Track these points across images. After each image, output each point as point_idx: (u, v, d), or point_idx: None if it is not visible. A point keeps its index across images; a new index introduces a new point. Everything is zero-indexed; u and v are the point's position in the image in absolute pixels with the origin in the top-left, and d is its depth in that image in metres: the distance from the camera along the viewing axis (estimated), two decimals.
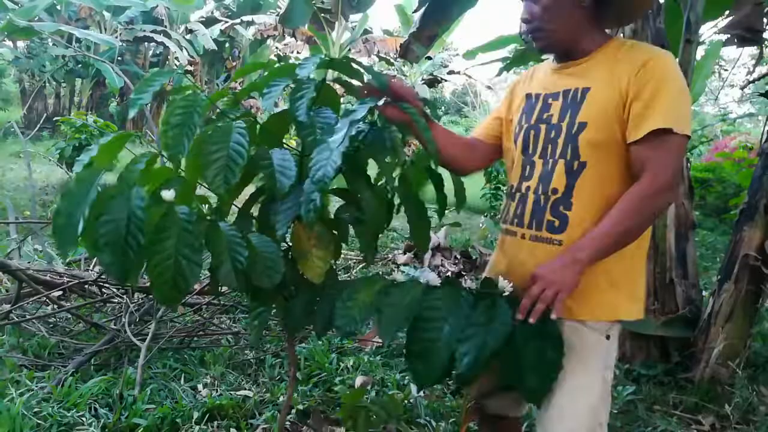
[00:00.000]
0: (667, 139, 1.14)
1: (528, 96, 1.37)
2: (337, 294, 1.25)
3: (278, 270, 1.17)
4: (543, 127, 1.30)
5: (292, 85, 1.23)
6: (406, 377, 2.59)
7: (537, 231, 1.27)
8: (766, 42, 2.72)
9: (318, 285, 1.25)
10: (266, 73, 1.26)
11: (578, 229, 1.21)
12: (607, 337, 1.25)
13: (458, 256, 4.93)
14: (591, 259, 1.16)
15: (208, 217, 1.19)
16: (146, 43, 13.48)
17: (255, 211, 1.33)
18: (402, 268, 4.57)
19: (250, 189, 1.33)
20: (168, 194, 1.09)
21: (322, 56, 1.26)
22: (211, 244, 1.15)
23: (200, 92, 1.21)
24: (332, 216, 1.32)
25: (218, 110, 1.28)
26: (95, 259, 3.68)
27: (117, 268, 1.04)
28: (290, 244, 1.27)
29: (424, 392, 2.48)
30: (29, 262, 3.42)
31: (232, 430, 2.11)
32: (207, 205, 1.27)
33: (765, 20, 2.63)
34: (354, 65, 1.29)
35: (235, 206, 1.34)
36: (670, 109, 1.15)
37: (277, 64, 1.29)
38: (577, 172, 1.23)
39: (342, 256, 1.38)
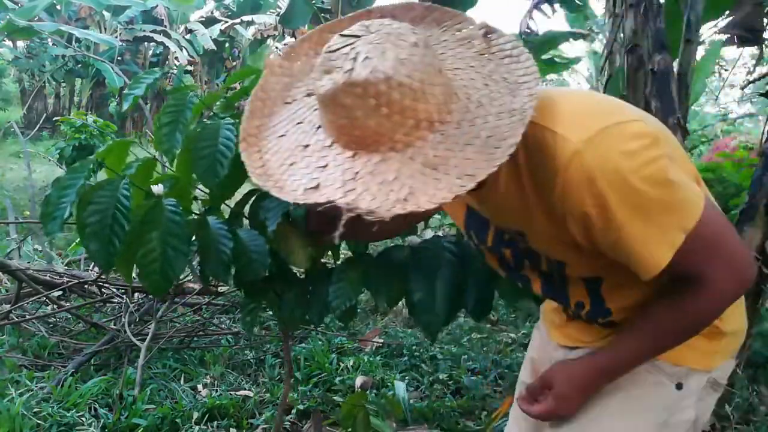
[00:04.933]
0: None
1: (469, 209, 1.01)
2: (327, 280, 1.27)
3: (264, 263, 1.21)
4: (507, 251, 0.98)
5: None
6: (406, 377, 2.59)
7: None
8: (766, 42, 2.72)
9: (308, 276, 1.27)
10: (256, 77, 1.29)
11: (626, 313, 0.92)
12: (678, 386, 0.91)
13: None
14: (617, 377, 0.90)
15: (198, 213, 1.23)
16: (146, 43, 13.46)
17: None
18: None
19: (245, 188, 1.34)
20: (158, 188, 1.14)
21: None
22: (199, 238, 1.20)
23: (192, 91, 1.25)
24: None
25: (212, 112, 1.31)
26: None
27: (102, 255, 1.10)
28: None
29: (424, 392, 2.48)
30: (29, 262, 3.42)
31: (231, 430, 2.11)
32: (204, 207, 1.30)
33: (765, 20, 2.63)
34: None
35: (228, 206, 1.36)
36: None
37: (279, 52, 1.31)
38: (596, 284, 0.91)
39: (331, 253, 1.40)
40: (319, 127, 0.76)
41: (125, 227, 1.11)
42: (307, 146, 0.76)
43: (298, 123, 0.80)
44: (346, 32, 0.73)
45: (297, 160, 0.74)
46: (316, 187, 0.69)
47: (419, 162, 0.68)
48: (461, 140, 0.70)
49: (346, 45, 0.71)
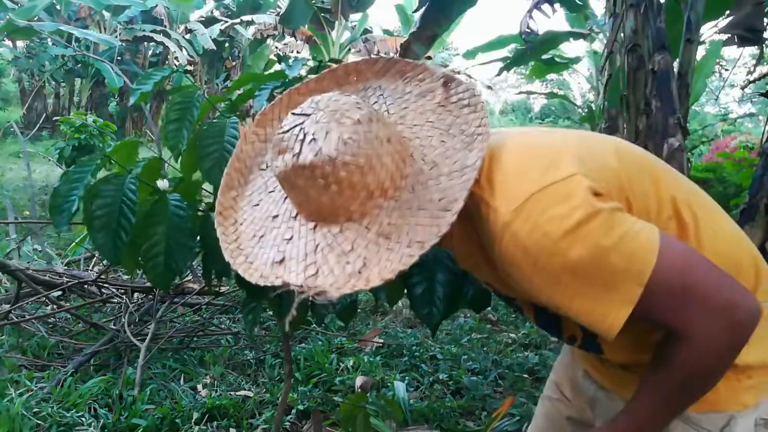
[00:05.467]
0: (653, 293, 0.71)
1: None
2: None
3: None
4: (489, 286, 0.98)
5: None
6: (406, 378, 2.59)
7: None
8: (766, 42, 2.72)
9: None
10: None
11: (620, 351, 0.87)
12: None
13: None
14: None
15: (202, 210, 1.24)
16: (146, 43, 13.46)
17: None
18: None
19: None
20: (162, 183, 1.16)
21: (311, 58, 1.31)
22: (203, 234, 1.22)
23: (198, 90, 1.26)
24: None
25: (218, 112, 1.32)
26: (94, 259, 3.69)
27: (109, 249, 1.13)
28: None
29: (424, 393, 2.48)
30: (29, 262, 3.42)
31: (231, 430, 2.11)
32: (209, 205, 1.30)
33: (765, 20, 2.62)
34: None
35: None
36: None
37: (276, 65, 1.33)
38: None
39: None
40: (287, 197, 0.81)
41: (132, 221, 1.13)
42: (275, 216, 0.81)
43: (270, 191, 0.85)
44: (297, 111, 0.77)
45: (266, 232, 0.80)
46: (281, 261, 0.75)
47: (374, 231, 0.73)
48: (414, 204, 0.73)
49: (296, 125, 0.75)
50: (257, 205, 0.85)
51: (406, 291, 1.28)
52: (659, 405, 0.78)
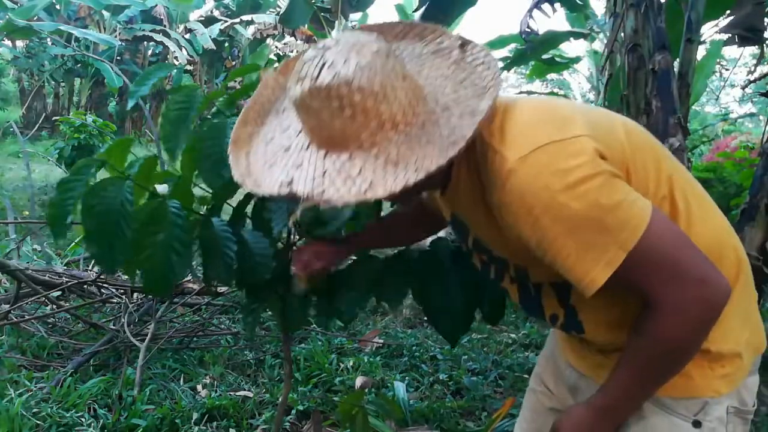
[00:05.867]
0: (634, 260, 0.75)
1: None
2: (334, 283, 1.26)
3: (269, 265, 1.20)
4: (483, 256, 1.00)
5: None
6: (406, 378, 2.59)
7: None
8: (767, 42, 2.72)
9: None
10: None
11: (600, 330, 0.90)
12: (695, 424, 0.84)
13: None
14: (623, 418, 0.86)
15: (200, 213, 1.22)
16: (145, 43, 13.44)
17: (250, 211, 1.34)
18: None
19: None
20: (162, 188, 1.14)
21: None
22: (202, 239, 1.19)
23: (198, 89, 1.24)
24: None
25: (215, 109, 1.30)
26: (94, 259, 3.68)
27: (105, 257, 1.11)
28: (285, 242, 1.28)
29: (424, 393, 2.48)
30: (28, 262, 3.42)
31: (231, 430, 2.10)
32: (205, 206, 1.29)
33: (766, 20, 2.62)
34: None
35: (230, 205, 1.35)
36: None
37: (275, 65, 1.31)
38: (565, 292, 0.89)
39: None
40: (300, 131, 0.83)
41: (127, 230, 1.10)
42: (287, 149, 0.83)
43: (285, 130, 0.87)
44: (319, 44, 0.80)
45: (277, 161, 0.82)
46: (290, 182, 0.77)
47: (382, 159, 0.75)
48: (424, 139, 0.76)
49: (316, 55, 0.77)
50: (271, 140, 0.87)
51: (422, 306, 1.27)
52: (633, 379, 0.82)
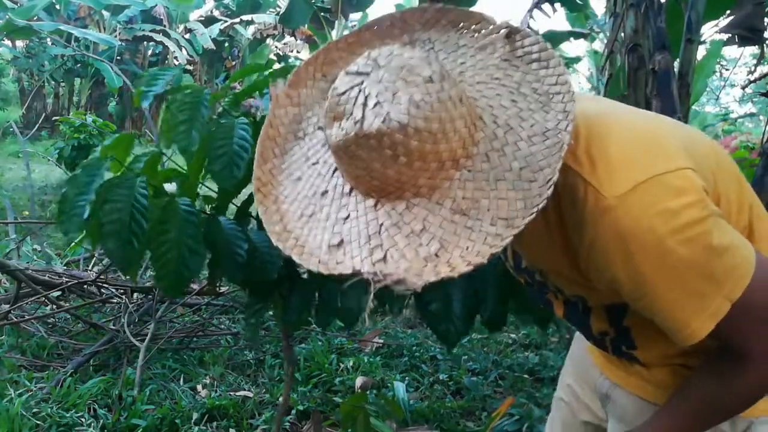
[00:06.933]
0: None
1: None
2: (334, 282, 1.26)
3: (277, 264, 1.20)
4: (524, 276, 0.94)
5: None
6: (406, 378, 2.58)
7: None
8: (767, 41, 2.71)
9: (314, 279, 1.26)
10: (267, 74, 1.28)
11: (655, 346, 0.83)
12: None
13: None
14: None
15: (207, 212, 1.22)
16: (145, 43, 13.44)
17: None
18: None
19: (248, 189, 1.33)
20: (170, 187, 1.14)
21: None
22: (211, 237, 1.19)
23: (206, 88, 1.24)
24: None
25: (220, 109, 1.31)
26: (94, 259, 3.68)
27: (120, 255, 1.10)
28: None
29: (424, 393, 2.48)
30: (28, 262, 3.42)
31: (231, 430, 2.10)
32: (209, 205, 1.29)
33: (766, 20, 2.62)
34: None
35: (234, 205, 1.35)
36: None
37: (276, 65, 1.31)
38: (619, 313, 0.83)
39: None
40: (335, 169, 0.70)
41: (144, 226, 1.10)
42: (325, 193, 0.70)
43: (314, 164, 0.74)
44: (352, 69, 0.66)
45: (315, 210, 0.69)
46: (340, 243, 0.65)
47: (448, 207, 0.63)
48: (491, 175, 0.63)
49: (354, 86, 0.64)
50: (299, 179, 0.73)
51: (421, 311, 1.27)
52: (695, 418, 0.77)
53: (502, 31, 0.71)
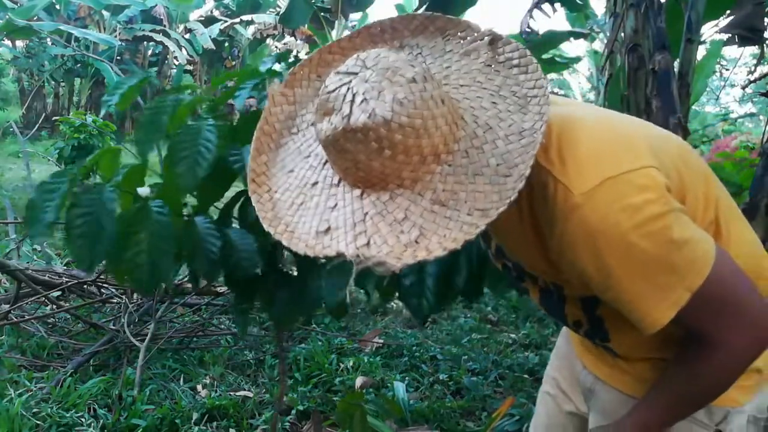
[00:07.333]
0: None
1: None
2: (319, 276, 1.28)
3: (254, 261, 1.23)
4: (502, 262, 0.98)
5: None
6: (406, 378, 2.58)
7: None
8: (767, 41, 2.71)
9: (301, 274, 1.28)
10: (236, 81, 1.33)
11: (627, 338, 0.87)
12: None
13: None
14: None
15: (187, 214, 1.24)
16: (145, 43, 13.44)
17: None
18: None
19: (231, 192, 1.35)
20: (144, 191, 1.16)
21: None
22: (185, 238, 1.22)
23: (191, 90, 1.26)
24: None
25: (198, 114, 1.33)
26: None
27: (85, 257, 1.13)
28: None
29: (424, 393, 2.48)
30: (28, 262, 3.42)
31: (231, 430, 2.10)
32: (192, 208, 1.31)
33: (766, 20, 2.62)
34: None
35: (217, 208, 1.37)
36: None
37: (275, 66, 1.33)
38: (593, 304, 0.87)
39: None
40: (326, 162, 0.75)
41: (110, 230, 1.13)
42: (315, 183, 0.75)
43: (306, 157, 0.79)
44: (342, 69, 0.71)
45: (306, 200, 0.74)
46: (327, 230, 0.70)
47: (428, 198, 0.68)
48: (470, 170, 0.68)
49: (343, 84, 0.69)
50: (292, 171, 0.79)
51: (394, 285, 1.28)
52: (670, 407, 0.82)
53: (486, 38, 0.77)
